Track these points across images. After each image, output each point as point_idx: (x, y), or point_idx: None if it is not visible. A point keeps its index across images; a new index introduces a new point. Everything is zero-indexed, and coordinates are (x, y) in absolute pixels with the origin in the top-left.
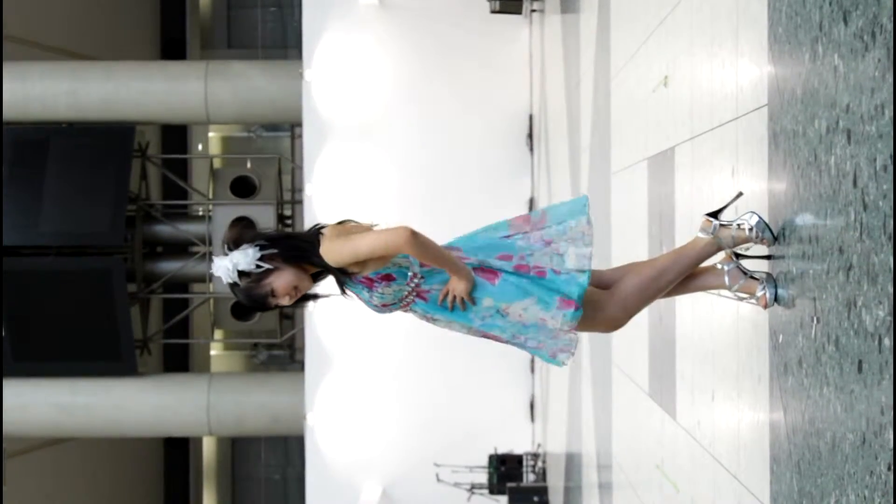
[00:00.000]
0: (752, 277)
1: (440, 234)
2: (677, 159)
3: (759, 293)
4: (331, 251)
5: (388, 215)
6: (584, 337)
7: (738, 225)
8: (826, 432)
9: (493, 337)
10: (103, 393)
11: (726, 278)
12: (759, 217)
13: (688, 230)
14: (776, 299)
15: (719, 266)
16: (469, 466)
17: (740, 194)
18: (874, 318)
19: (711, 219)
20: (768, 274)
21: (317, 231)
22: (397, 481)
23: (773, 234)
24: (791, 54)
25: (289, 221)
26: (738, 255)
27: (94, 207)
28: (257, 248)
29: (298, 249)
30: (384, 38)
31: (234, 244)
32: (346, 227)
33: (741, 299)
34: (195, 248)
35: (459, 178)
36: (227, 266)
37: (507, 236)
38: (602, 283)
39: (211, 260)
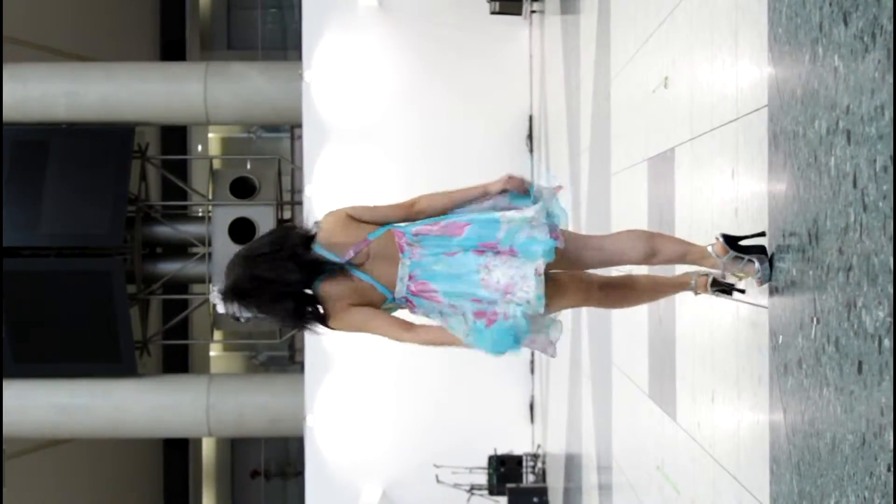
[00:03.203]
0: (748, 260)
1: None
2: (677, 160)
3: (757, 275)
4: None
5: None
6: (584, 338)
7: (749, 259)
8: (826, 433)
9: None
10: (103, 394)
11: (721, 267)
12: (768, 264)
13: (688, 231)
14: (770, 277)
15: (710, 249)
16: (469, 467)
17: (763, 234)
18: (874, 318)
19: (728, 248)
20: (760, 252)
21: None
22: (397, 483)
23: (770, 278)
24: (791, 55)
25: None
26: (731, 243)
27: (94, 208)
28: (243, 307)
29: (278, 295)
30: (384, 40)
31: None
32: (345, 217)
33: (739, 279)
34: (195, 249)
35: (459, 179)
36: (235, 311)
37: (480, 251)
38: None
39: (209, 261)
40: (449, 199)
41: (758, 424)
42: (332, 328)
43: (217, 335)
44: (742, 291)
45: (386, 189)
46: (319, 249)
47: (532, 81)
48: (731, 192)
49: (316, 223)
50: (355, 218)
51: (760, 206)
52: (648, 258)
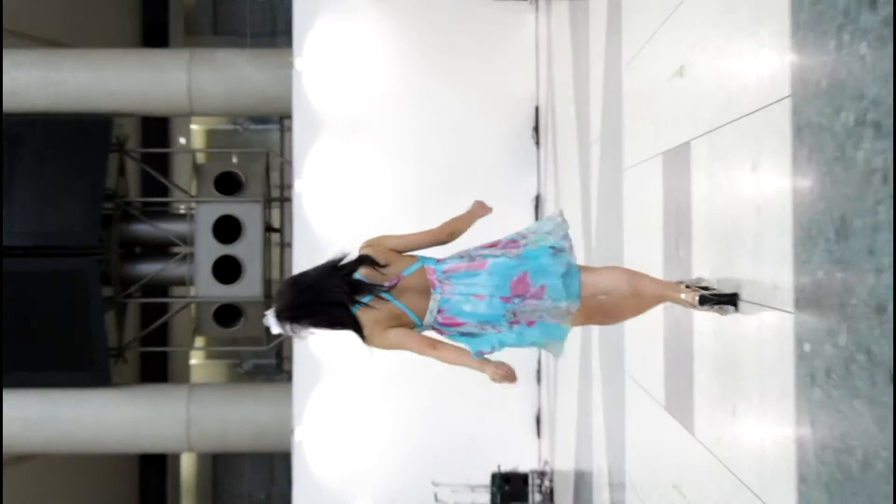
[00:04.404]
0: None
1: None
2: (694, 154)
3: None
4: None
5: (384, 215)
6: (595, 345)
7: (719, 307)
8: (857, 449)
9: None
10: (75, 405)
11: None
12: (734, 307)
13: (706, 230)
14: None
15: (683, 297)
16: (470, 485)
17: (735, 299)
18: None
19: (699, 306)
20: (730, 302)
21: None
22: (392, 502)
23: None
24: (815, 42)
25: (277, 228)
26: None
27: (69, 205)
28: (295, 326)
29: (328, 315)
30: (380, 25)
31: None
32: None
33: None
34: (176, 249)
35: (460, 175)
36: (288, 331)
37: (507, 298)
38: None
39: (192, 262)
40: (465, 219)
41: (783, 439)
42: (369, 345)
43: (198, 342)
44: (733, 299)
45: (382, 185)
46: (361, 277)
47: (538, 70)
48: (753, 188)
49: (356, 252)
50: (393, 250)
51: (784, 204)
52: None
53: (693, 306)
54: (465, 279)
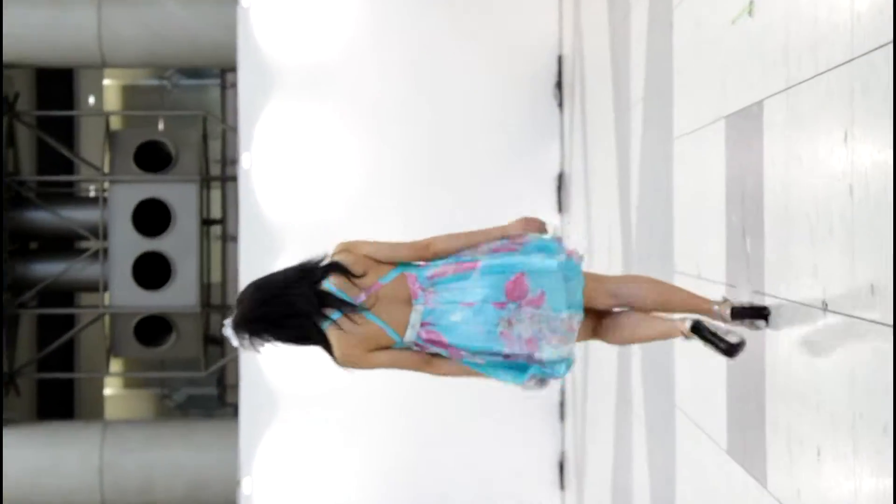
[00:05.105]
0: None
1: (434, 232)
2: (767, 118)
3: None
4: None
5: (357, 199)
6: (635, 371)
7: (752, 322)
8: None
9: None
10: None
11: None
12: (765, 321)
13: (781, 215)
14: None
15: (716, 308)
16: None
17: (767, 313)
18: None
19: (732, 319)
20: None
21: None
22: None
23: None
24: None
25: (217, 220)
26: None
27: None
28: (255, 338)
29: (290, 328)
30: None
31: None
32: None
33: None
34: (84, 244)
35: (460, 148)
36: (247, 344)
37: (501, 304)
38: (608, 295)
39: (105, 260)
40: (465, 242)
41: (883, 492)
42: (344, 367)
43: (115, 366)
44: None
45: (355, 160)
46: (331, 288)
47: (563, 9)
48: (843, 161)
49: (329, 256)
50: (370, 257)
51: (884, 182)
52: (658, 308)
53: (724, 319)
54: (454, 284)
